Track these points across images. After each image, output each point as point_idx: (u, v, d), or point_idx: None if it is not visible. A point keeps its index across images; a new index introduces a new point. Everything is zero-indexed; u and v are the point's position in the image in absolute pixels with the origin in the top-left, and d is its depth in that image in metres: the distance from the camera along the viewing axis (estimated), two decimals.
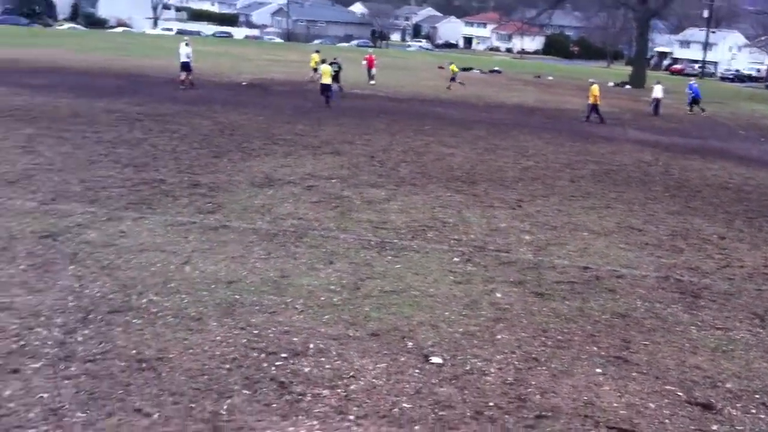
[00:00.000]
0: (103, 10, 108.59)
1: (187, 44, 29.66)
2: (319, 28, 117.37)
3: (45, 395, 5.64)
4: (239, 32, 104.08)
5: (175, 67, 32.06)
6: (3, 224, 9.66)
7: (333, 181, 14.11)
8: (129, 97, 24.39)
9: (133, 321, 7.09)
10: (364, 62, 39.25)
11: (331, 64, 29.22)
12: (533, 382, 6.52)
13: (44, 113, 19.32)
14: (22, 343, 6.46)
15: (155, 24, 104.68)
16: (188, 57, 28.91)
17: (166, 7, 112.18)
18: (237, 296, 7.93)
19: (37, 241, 9.13)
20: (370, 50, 42.08)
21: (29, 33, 68.14)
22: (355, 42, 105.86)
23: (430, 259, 9.82)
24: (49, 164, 13.41)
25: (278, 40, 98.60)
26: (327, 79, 26.79)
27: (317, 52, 29.49)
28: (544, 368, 6.82)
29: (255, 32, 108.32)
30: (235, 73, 38.44)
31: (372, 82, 37.36)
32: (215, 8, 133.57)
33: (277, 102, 26.98)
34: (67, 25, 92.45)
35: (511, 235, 11.37)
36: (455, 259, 9.93)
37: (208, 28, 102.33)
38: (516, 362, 6.89)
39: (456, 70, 41.41)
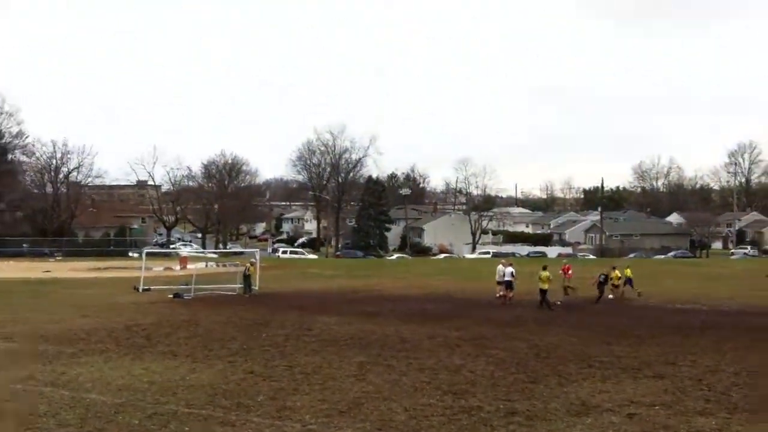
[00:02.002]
0: (427, 239, 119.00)
1: (510, 265, 33.43)
2: (634, 241, 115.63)
3: None
4: (552, 251, 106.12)
5: (490, 289, 33.70)
6: None
7: (656, 408, 13.25)
8: (449, 321, 25.74)
9: None
10: (561, 272, 36.87)
11: (604, 275, 33.90)
12: None
13: (374, 341, 21.03)
14: None
15: (474, 249, 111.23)
16: (512, 276, 32.04)
17: (485, 232, 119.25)
18: None
19: None
20: (565, 261, 44.02)
21: (364, 264, 76.31)
22: (672, 253, 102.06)
23: None
24: (377, 392, 14.38)
25: (591, 256, 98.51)
26: (544, 285, 30.55)
27: (544, 268, 29.76)
28: None
29: (568, 250, 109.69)
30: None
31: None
32: (529, 230, 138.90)
33: (591, 320, 26.61)
34: (396, 255, 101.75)
35: None
36: None
37: (522, 249, 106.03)
38: None
39: (630, 274, 36.53)
